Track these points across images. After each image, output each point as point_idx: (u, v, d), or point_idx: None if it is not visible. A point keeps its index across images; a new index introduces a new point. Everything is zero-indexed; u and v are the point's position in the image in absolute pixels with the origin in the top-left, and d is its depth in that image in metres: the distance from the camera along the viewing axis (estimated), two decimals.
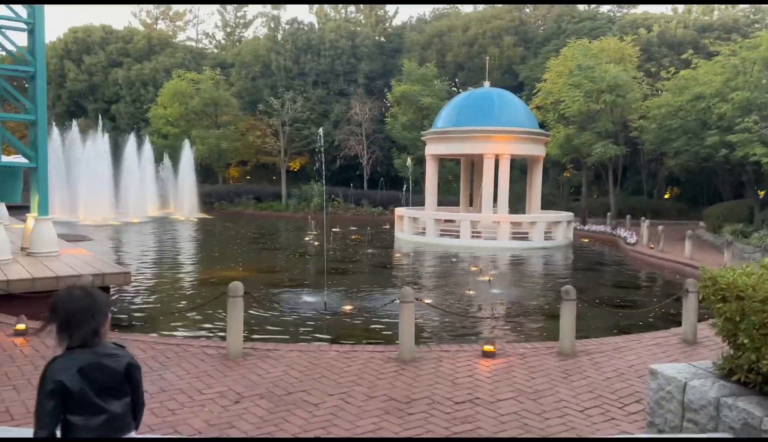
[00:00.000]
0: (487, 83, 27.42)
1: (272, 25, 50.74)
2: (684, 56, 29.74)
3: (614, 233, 25.15)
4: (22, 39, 13.14)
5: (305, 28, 49.19)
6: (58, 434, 2.40)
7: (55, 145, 33.89)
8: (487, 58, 35.51)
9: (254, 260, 18.39)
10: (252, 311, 10.49)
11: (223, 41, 62.73)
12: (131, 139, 36.49)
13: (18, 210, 20.70)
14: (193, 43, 62.08)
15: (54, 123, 37.58)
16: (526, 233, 23.30)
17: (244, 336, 7.25)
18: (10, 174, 13.42)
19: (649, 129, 28.46)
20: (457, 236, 22.90)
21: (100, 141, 34.25)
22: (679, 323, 8.69)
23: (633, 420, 5.32)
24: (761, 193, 25.06)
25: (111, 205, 32.72)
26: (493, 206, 24.32)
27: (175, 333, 9.06)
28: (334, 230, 28.02)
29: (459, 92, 36.59)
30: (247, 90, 47.65)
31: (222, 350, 7.10)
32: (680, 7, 46.38)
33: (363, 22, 51.88)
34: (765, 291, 3.75)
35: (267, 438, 4.84)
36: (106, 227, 27.86)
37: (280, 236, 27.27)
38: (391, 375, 6.38)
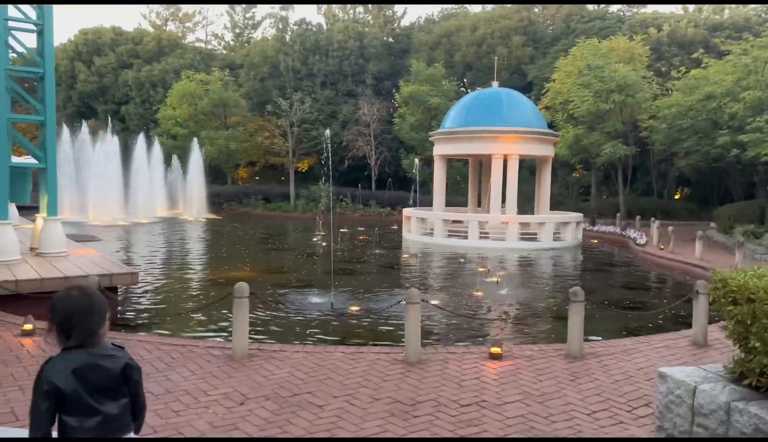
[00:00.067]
0: (495, 83, 27.32)
1: (280, 27, 50.87)
2: (694, 55, 29.52)
3: (624, 233, 24.98)
4: (31, 41, 13.20)
5: (313, 29, 49.26)
6: (55, 434, 2.39)
7: (65, 146, 34.13)
8: (496, 58, 35.40)
9: (262, 260, 18.40)
10: (259, 312, 10.49)
11: (232, 42, 62.95)
12: (140, 140, 36.68)
13: (28, 210, 20.82)
14: (202, 45, 62.35)
15: (64, 124, 37.85)
16: (535, 234, 23.18)
17: (250, 337, 7.23)
18: (19, 175, 13.51)
19: (659, 129, 28.26)
20: (465, 237, 22.82)
21: (110, 142, 34.45)
22: (689, 325, 8.59)
23: (642, 424, 5.25)
24: None
25: (120, 205, 32.90)
26: (502, 207, 24.22)
27: (181, 334, 9.05)
28: (342, 230, 28.01)
29: (467, 92, 36.52)
30: (255, 91, 47.78)
31: (227, 351, 7.08)
32: (691, 6, 46.10)
33: (371, 22, 51.89)
34: None
35: (263, 438, 4.81)
36: (115, 227, 28.00)
37: (288, 237, 27.30)
38: (397, 377, 6.33)
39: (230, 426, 5.01)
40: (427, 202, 30.32)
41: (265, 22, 61.41)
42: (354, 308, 11.05)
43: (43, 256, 12.09)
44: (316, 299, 11.83)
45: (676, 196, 40.33)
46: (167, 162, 39.42)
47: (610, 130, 29.01)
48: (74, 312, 2.39)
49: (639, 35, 33.81)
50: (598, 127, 29.45)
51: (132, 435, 2.52)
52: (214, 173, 44.42)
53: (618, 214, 29.54)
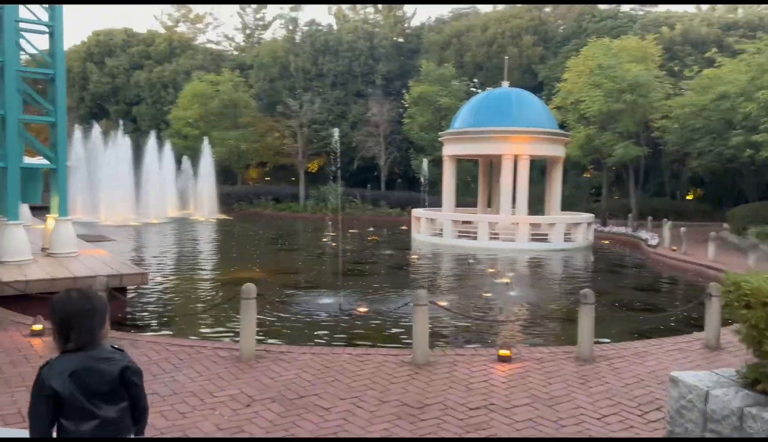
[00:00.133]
0: (505, 83, 27.18)
1: (290, 27, 50.93)
2: (708, 55, 29.19)
3: (635, 234, 24.76)
4: (43, 42, 13.28)
5: (323, 29, 49.30)
6: (54, 435, 2.37)
7: (78, 146, 34.40)
8: (506, 57, 35.20)
9: (271, 260, 18.42)
10: (267, 313, 10.48)
11: (242, 43, 63.12)
12: (152, 141, 36.87)
13: (41, 211, 20.99)
14: (213, 46, 62.54)
15: (77, 125, 38.14)
16: (546, 235, 23.03)
17: (258, 337, 7.21)
18: (31, 175, 13.60)
19: (672, 129, 27.99)
20: (475, 238, 22.71)
21: (121, 143, 34.67)
22: (701, 328, 8.47)
23: (653, 429, 5.16)
24: None
25: (131, 206, 33.07)
26: (512, 208, 24.09)
27: (190, 334, 9.06)
28: (351, 230, 28.00)
29: (477, 92, 36.35)
30: (265, 92, 47.89)
31: (235, 352, 7.07)
32: (704, 5, 45.60)
33: (381, 23, 51.83)
34: None
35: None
36: (126, 227, 28.16)
37: (298, 237, 27.32)
38: (405, 379, 6.29)
39: (236, 428, 4.99)
40: (437, 203, 30.22)
41: (275, 23, 61.45)
42: (362, 310, 11.01)
43: (54, 256, 12.15)
44: (324, 300, 11.80)
45: (689, 197, 39.92)
46: (178, 163, 39.61)
47: (621, 130, 28.77)
48: (73, 314, 2.37)
49: (651, 34, 33.49)
50: (610, 128, 29.22)
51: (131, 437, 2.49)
52: (224, 174, 44.56)
53: (630, 215, 29.27)
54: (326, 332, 9.52)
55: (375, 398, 5.75)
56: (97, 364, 2.35)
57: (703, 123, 25.71)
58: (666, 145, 30.65)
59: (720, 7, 42.07)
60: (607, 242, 25.72)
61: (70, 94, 50.83)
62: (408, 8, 74.66)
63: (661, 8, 44.11)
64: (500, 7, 49.23)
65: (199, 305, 11.49)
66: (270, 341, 8.52)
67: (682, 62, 34.15)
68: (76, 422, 2.32)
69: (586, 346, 7.18)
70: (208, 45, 61.50)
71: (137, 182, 34.59)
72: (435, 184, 38.10)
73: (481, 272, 16.62)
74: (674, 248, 19.97)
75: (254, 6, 61.36)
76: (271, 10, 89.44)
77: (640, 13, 42.97)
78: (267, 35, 61.63)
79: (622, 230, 26.68)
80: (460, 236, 23.35)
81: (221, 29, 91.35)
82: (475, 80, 45.91)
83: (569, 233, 23.23)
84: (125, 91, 51.51)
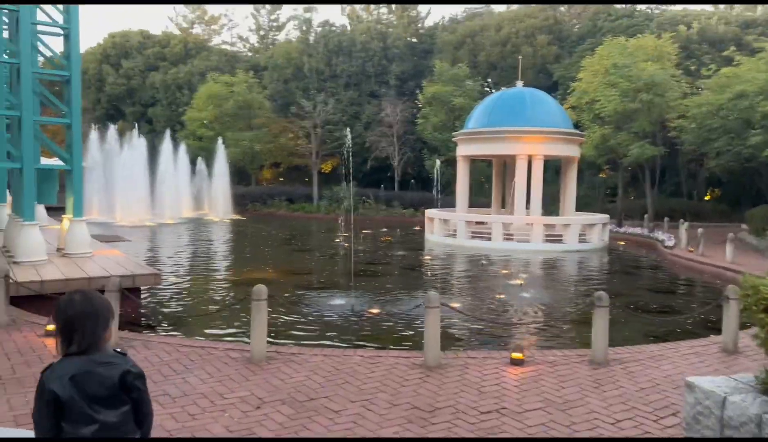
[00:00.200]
0: (520, 83, 27.01)
1: (304, 28, 51.06)
2: (726, 53, 28.79)
3: (652, 235, 24.47)
4: (59, 45, 13.41)
5: (337, 30, 49.35)
6: None
7: (94, 147, 34.76)
8: (520, 57, 35.00)
9: (284, 261, 18.44)
10: (279, 314, 10.48)
11: (256, 44, 63.41)
12: (167, 142, 37.14)
13: (57, 211, 21.22)
14: (228, 47, 62.90)
15: (94, 126, 38.53)
16: (560, 236, 22.84)
17: (270, 338, 7.20)
18: (46, 176, 13.75)
19: (689, 129, 27.62)
20: (489, 239, 22.58)
21: (137, 144, 34.96)
22: (719, 331, 8.33)
23: (668, 435, 5.07)
24: None
25: (147, 206, 33.32)
26: (526, 208, 23.92)
27: (201, 335, 9.08)
28: (364, 231, 27.98)
29: (491, 92, 36.17)
30: (279, 93, 48.06)
31: (246, 354, 7.06)
32: (722, 4, 44.96)
33: (395, 23, 51.79)
34: None
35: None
36: (141, 227, 28.37)
37: (311, 238, 27.36)
38: (416, 382, 6.23)
39: (246, 431, 4.97)
40: (451, 204, 30.11)
41: (289, 24, 61.63)
42: (374, 311, 10.97)
43: (69, 256, 12.26)
44: (336, 301, 11.78)
45: (706, 198, 39.39)
46: (193, 163, 39.86)
47: (637, 130, 28.44)
48: (76, 317, 2.35)
49: (668, 33, 33.10)
50: (626, 127, 28.90)
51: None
52: (238, 174, 44.78)
53: (646, 216, 28.95)
54: (338, 333, 9.49)
55: (385, 400, 5.70)
56: (97, 368, 2.33)
57: (720, 122, 25.34)
58: (683, 145, 30.26)
59: (738, 5, 41.47)
60: (622, 243, 25.46)
61: (86, 96, 51.59)
62: (422, 8, 74.41)
63: (678, 7, 43.62)
64: (514, 6, 48.98)
65: (212, 305, 11.52)
66: (281, 342, 8.51)
67: (699, 61, 33.71)
68: (75, 426, 2.30)
69: (601, 349, 7.08)
70: (223, 46, 61.89)
71: (152, 183, 34.86)
72: (449, 184, 37.97)
73: (494, 273, 16.51)
74: (691, 249, 19.70)
75: (268, 7, 61.61)
76: (286, 11, 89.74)
77: (657, 11, 42.51)
78: (281, 36, 61.90)
79: (637, 230, 26.39)
80: (473, 237, 23.23)
81: (236, 30, 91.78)
82: (489, 80, 45.71)
83: (584, 233, 23.02)
84: (141, 93, 51.98)
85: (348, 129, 30.40)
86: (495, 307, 11.68)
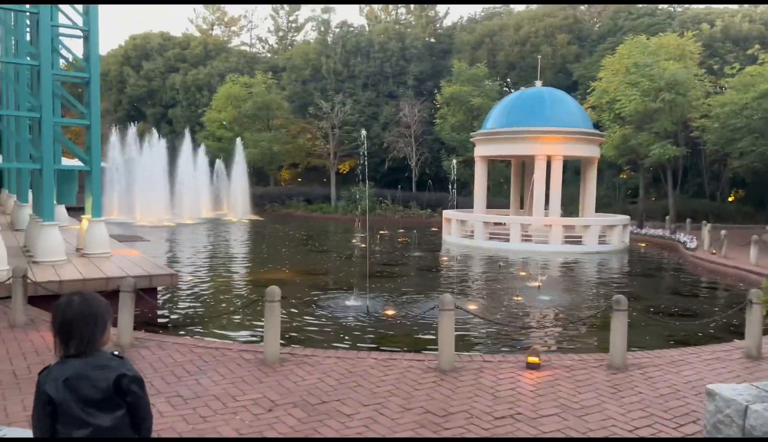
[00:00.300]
0: (538, 83, 26.76)
1: (322, 29, 51.19)
2: (750, 52, 28.27)
3: (673, 237, 24.08)
4: (80, 47, 13.56)
5: (355, 30, 49.38)
6: None
7: (115, 148, 35.18)
8: (540, 57, 34.68)
9: (301, 261, 18.46)
10: (294, 315, 10.46)
11: (275, 46, 63.74)
12: (186, 143, 37.46)
13: (78, 211, 21.51)
14: (247, 48, 63.32)
15: (115, 128, 39.02)
16: (580, 237, 22.57)
17: (284, 339, 7.16)
18: (66, 177, 13.91)
19: (712, 129, 27.15)
20: (507, 240, 22.39)
21: (157, 145, 35.32)
22: (742, 335, 8.12)
23: None
24: None
25: (166, 206, 33.63)
26: (545, 209, 23.68)
27: (217, 336, 9.09)
28: (381, 232, 27.93)
29: (510, 92, 35.90)
30: (297, 94, 48.22)
31: (259, 355, 7.04)
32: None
33: (413, 23, 51.69)
34: None
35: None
36: (161, 227, 28.63)
37: (328, 238, 27.38)
38: (429, 386, 6.16)
39: (256, 434, 4.93)
40: (469, 205, 29.95)
41: (307, 25, 61.86)
42: (390, 313, 10.91)
43: (88, 256, 12.38)
44: (352, 303, 11.73)
45: (730, 199, 38.64)
46: (212, 164, 40.17)
47: (659, 130, 28.02)
48: (73, 319, 2.32)
49: (690, 31, 32.57)
50: (647, 127, 28.48)
51: None
52: (257, 175, 45.01)
53: (667, 217, 28.52)
54: (353, 335, 9.44)
55: (398, 404, 5.64)
56: (91, 371, 2.30)
57: (744, 122, 24.86)
58: (706, 145, 29.77)
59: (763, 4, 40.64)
60: (643, 244, 25.10)
61: (108, 98, 52.30)
62: (440, 8, 74.32)
63: (701, 5, 42.90)
64: (534, 6, 48.58)
65: (228, 306, 11.55)
66: (296, 343, 8.49)
67: (723, 60, 33.12)
68: (68, 428, 2.28)
69: (619, 354, 6.94)
70: (242, 48, 62.32)
71: (172, 184, 35.18)
72: (467, 185, 37.75)
73: (511, 274, 16.34)
74: (714, 251, 19.32)
75: (287, 8, 61.91)
76: (304, 12, 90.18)
77: (679, 10, 41.85)
78: (299, 37, 62.17)
79: (659, 232, 25.98)
80: (491, 238, 23.06)
81: (255, 32, 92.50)
82: (508, 80, 45.41)
83: (604, 235, 22.73)
84: (161, 94, 52.53)
85: (363, 130, 30.33)
86: (512, 309, 11.55)
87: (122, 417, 2.33)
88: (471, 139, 27.56)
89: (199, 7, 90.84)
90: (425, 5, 52.19)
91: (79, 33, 12.98)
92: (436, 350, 6.97)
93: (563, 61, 41.82)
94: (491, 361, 7.08)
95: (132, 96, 53.13)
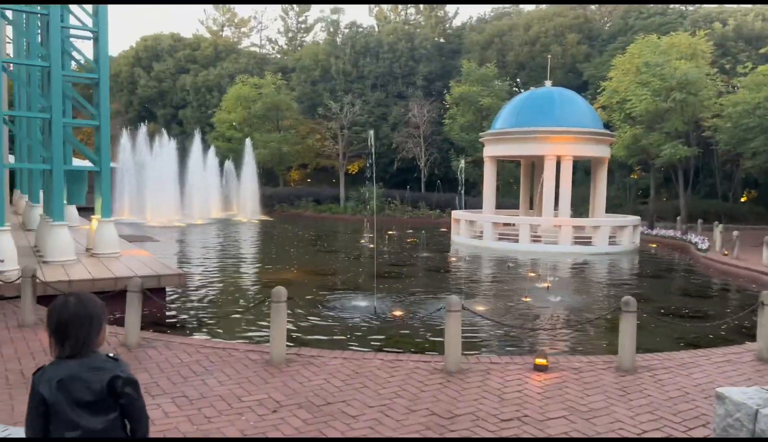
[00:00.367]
0: (548, 83, 26.61)
1: (331, 30, 51.25)
2: (763, 51, 27.98)
3: (684, 238, 23.86)
4: (90, 48, 13.65)
5: (364, 31, 49.40)
6: None
7: (126, 149, 35.39)
8: (549, 56, 34.50)
9: (309, 262, 18.47)
10: (301, 315, 10.46)
11: (285, 46, 63.92)
12: (196, 143, 37.63)
13: (90, 212, 21.65)
14: (257, 49, 63.53)
15: (126, 129, 39.27)
16: (590, 238, 22.42)
17: (291, 340, 7.15)
18: (76, 178, 13.99)
19: (724, 128, 26.89)
20: (516, 240, 22.28)
21: (167, 145, 35.50)
22: (754, 337, 8.01)
23: None
24: None
25: (177, 207, 33.78)
26: (555, 210, 23.55)
27: (225, 336, 9.10)
28: (390, 232, 27.91)
29: (520, 92, 35.75)
30: (306, 94, 48.31)
31: (266, 356, 7.03)
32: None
33: (423, 23, 51.63)
34: None
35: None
36: (171, 228, 28.75)
37: (337, 239, 27.39)
38: (435, 388, 6.12)
39: (261, 435, 4.92)
40: (478, 205, 29.85)
41: (317, 26, 62.03)
42: (397, 313, 10.88)
43: (97, 256, 12.45)
44: (359, 303, 11.71)
45: (742, 199, 38.26)
46: (222, 165, 40.32)
47: (670, 130, 27.78)
48: (68, 320, 2.31)
49: (702, 31, 32.27)
50: (658, 127, 28.26)
51: None
52: (266, 175, 45.13)
53: (678, 218, 28.28)
54: (359, 335, 9.42)
55: (404, 406, 5.60)
56: (85, 373, 2.28)
57: (757, 121, 24.61)
58: (718, 145, 29.49)
59: None
60: (654, 245, 24.90)
61: (119, 99, 52.64)
62: (449, 8, 74.20)
63: (713, 5, 42.48)
64: (543, 5, 48.37)
65: (236, 306, 11.56)
66: (303, 343, 8.47)
67: (735, 59, 32.81)
68: (60, 429, 2.27)
69: (628, 356, 6.86)
70: (252, 49, 62.52)
71: (182, 184, 35.33)
72: (476, 185, 37.63)
73: (520, 275, 16.26)
74: (726, 252, 19.11)
75: (297, 9, 62.05)
76: (314, 12, 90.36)
77: (691, 9, 41.49)
78: (309, 38, 62.30)
79: (670, 233, 25.76)
80: (500, 239, 22.96)
81: (265, 33, 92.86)
82: (518, 80, 45.23)
83: (614, 236, 22.56)
84: (172, 95, 52.81)
85: (371, 131, 30.31)
86: (520, 310, 11.48)
87: (114, 420, 2.31)
88: (480, 140, 27.47)
89: (210, 9, 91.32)
90: (434, 5, 52.10)
91: (89, 34, 13.07)
92: (443, 351, 6.93)
93: (573, 61, 41.60)
94: (498, 362, 7.03)
95: (143, 97, 53.46)
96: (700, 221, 26.08)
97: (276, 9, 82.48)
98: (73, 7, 13.77)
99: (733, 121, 26.00)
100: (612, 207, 29.12)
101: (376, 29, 51.04)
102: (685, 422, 5.37)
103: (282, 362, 6.80)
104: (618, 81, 30.35)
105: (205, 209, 35.55)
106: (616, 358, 7.01)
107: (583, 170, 35.45)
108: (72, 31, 14.24)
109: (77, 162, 18.69)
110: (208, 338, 8.81)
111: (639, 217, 24.91)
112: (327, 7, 56.28)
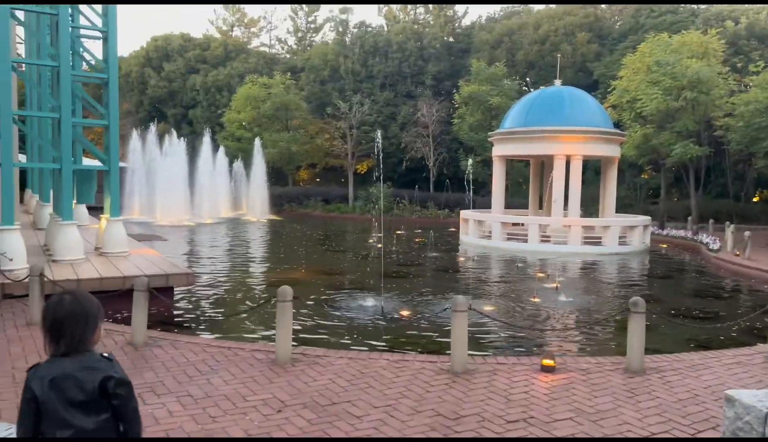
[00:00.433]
0: (558, 82, 26.47)
1: (340, 30, 51.27)
2: None
3: (695, 238, 23.66)
4: (100, 48, 13.72)
5: (373, 31, 49.37)
6: None
7: (136, 149, 35.60)
8: (559, 55, 34.33)
9: (317, 261, 18.47)
10: (307, 315, 10.45)
11: (294, 46, 64.04)
12: (206, 143, 37.79)
13: (100, 211, 21.77)
14: (267, 49, 63.68)
15: (137, 129, 39.49)
16: (599, 238, 22.27)
17: (297, 339, 7.13)
18: (85, 177, 14.07)
19: (736, 128, 26.61)
20: (525, 240, 22.18)
21: (177, 145, 35.66)
22: (765, 339, 7.91)
23: None
24: None
25: (186, 206, 33.93)
26: (564, 209, 23.42)
27: (232, 335, 9.10)
28: (398, 232, 27.87)
29: (529, 92, 35.59)
30: (315, 94, 48.36)
31: (271, 355, 7.01)
32: None
33: (432, 23, 51.53)
34: None
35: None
36: (180, 227, 28.88)
37: (345, 238, 27.39)
38: (441, 388, 6.08)
39: (265, 435, 4.90)
40: (487, 205, 29.75)
41: (326, 25, 62.11)
42: (404, 313, 10.84)
43: (106, 255, 12.51)
44: (366, 303, 11.69)
45: (755, 199, 37.87)
46: (231, 164, 40.45)
47: (681, 129, 27.53)
48: (63, 318, 2.29)
49: (714, 29, 31.95)
50: (668, 127, 28.01)
51: None
52: (275, 175, 45.21)
53: (689, 218, 28.02)
54: (366, 335, 9.39)
55: (409, 407, 5.57)
56: (79, 372, 2.26)
57: None
58: (729, 145, 29.18)
59: None
60: (664, 245, 24.71)
61: (129, 99, 52.93)
62: (459, 8, 73.97)
63: (724, 5, 42.05)
64: (553, 4, 48.13)
65: (243, 305, 11.57)
66: (309, 343, 8.46)
67: (747, 57, 32.47)
68: (52, 428, 2.25)
69: (636, 357, 6.79)
70: (262, 49, 62.67)
71: (192, 184, 35.48)
72: (485, 185, 37.49)
73: (529, 276, 16.17)
74: (737, 252, 18.92)
75: (306, 9, 62.13)
76: (323, 12, 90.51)
77: (702, 7, 41.11)
78: (318, 38, 62.36)
79: (681, 233, 25.55)
80: (509, 239, 22.86)
81: (274, 33, 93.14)
82: (527, 79, 45.03)
83: (624, 236, 22.40)
84: (182, 95, 53.04)
85: (379, 131, 30.29)
86: (528, 311, 11.41)
87: (106, 421, 2.28)
88: (489, 139, 27.37)
89: (219, 9, 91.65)
90: (444, 5, 51.98)
91: (99, 34, 13.13)
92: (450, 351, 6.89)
93: (583, 60, 41.36)
94: (505, 363, 6.98)
95: (153, 97, 53.73)
96: (711, 221, 25.84)
97: (285, 9, 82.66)
98: (83, 8, 13.85)
99: (745, 120, 25.72)
100: (622, 207, 28.92)
101: (385, 29, 51.00)
102: (694, 424, 5.30)
103: (287, 361, 6.78)
104: (628, 80, 30.12)
105: (215, 209, 35.69)
106: (625, 359, 6.94)
107: (593, 170, 35.24)
108: (82, 32, 14.33)
109: (87, 162, 18.82)
110: (215, 337, 8.82)
111: (649, 218, 24.72)
112: (336, 7, 56.34)
